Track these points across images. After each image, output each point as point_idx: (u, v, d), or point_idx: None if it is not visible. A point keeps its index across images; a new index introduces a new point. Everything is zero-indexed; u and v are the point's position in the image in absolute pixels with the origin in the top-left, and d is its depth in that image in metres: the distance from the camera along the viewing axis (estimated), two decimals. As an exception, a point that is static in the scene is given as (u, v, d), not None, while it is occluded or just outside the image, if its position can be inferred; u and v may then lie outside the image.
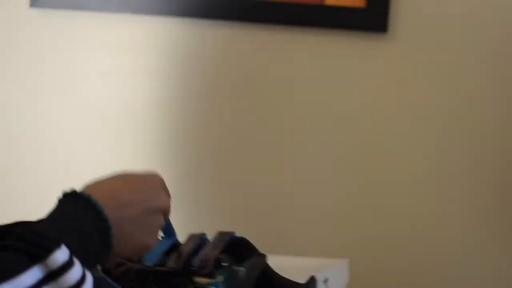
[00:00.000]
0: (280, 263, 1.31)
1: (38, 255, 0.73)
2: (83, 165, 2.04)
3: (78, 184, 2.00)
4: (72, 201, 0.81)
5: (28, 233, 0.75)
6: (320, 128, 1.94)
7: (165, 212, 0.88)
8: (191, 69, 1.99)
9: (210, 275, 0.91)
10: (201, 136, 2.01)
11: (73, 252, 0.76)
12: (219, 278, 0.91)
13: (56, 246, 0.74)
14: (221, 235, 0.97)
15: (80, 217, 0.79)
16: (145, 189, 0.86)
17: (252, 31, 1.95)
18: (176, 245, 0.96)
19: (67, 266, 0.74)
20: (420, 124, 1.89)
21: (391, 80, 1.90)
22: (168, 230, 0.93)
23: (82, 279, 0.75)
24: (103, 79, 2.01)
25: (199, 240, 0.96)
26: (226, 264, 0.92)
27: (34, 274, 0.72)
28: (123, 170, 0.88)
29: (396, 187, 1.90)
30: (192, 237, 0.96)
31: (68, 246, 0.75)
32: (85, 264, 0.77)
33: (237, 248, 0.96)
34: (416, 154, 1.90)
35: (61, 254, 0.74)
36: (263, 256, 0.97)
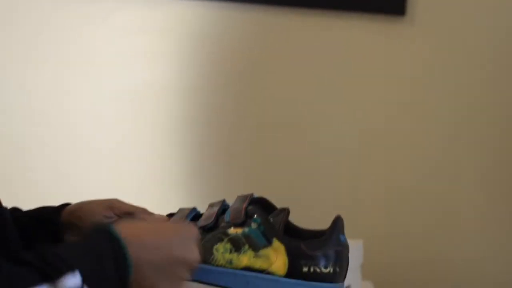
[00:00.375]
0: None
1: (50, 274, 0.73)
2: (103, 147, 2.06)
3: (96, 164, 2.02)
4: (99, 233, 0.80)
5: (46, 252, 0.75)
6: (336, 112, 1.94)
7: (192, 266, 0.86)
8: (209, 50, 2.00)
9: (243, 225, 0.94)
10: (220, 115, 2.02)
11: (86, 280, 0.75)
12: (253, 226, 0.93)
13: (69, 270, 0.74)
14: (242, 197, 0.99)
15: (101, 249, 0.78)
16: (174, 237, 0.85)
17: (269, 13, 1.95)
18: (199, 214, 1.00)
19: None
20: (437, 107, 1.89)
21: (408, 63, 1.91)
22: None
23: None
24: (122, 61, 2.03)
25: (221, 205, 0.99)
26: (256, 214, 0.94)
27: None
28: (160, 216, 0.90)
29: (413, 168, 1.91)
30: (213, 204, 0.99)
31: (82, 273, 0.75)
32: None
33: (258, 207, 0.98)
34: (431, 134, 1.90)
35: (72, 280, 0.74)
36: (285, 209, 0.99)
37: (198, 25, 2.00)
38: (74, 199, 1.11)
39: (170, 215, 1.02)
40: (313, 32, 1.94)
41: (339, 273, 0.93)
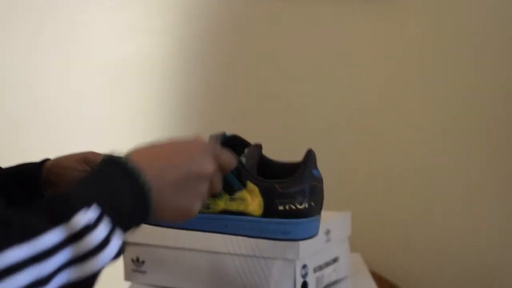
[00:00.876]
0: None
1: (61, 215, 0.72)
2: (100, 122, 2.06)
3: (88, 133, 2.03)
4: (111, 165, 0.79)
5: (55, 195, 0.74)
6: (328, 94, 1.95)
7: (209, 178, 0.86)
8: (197, 22, 2.00)
9: None
10: (209, 85, 2.02)
11: (104, 211, 0.74)
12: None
13: (81, 206, 0.73)
14: (214, 137, 0.99)
15: (116, 180, 0.77)
16: (187, 154, 0.85)
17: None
18: None
19: (90, 227, 0.73)
20: (432, 87, 1.90)
21: (400, 44, 1.91)
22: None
23: (105, 242, 0.74)
24: (117, 35, 2.03)
25: (221, 139, 0.98)
26: None
27: (55, 235, 0.71)
28: (167, 137, 0.87)
29: (403, 144, 1.92)
30: (213, 138, 0.98)
31: (100, 205, 0.74)
32: (120, 225, 0.76)
33: (231, 145, 0.98)
34: (425, 111, 1.91)
35: (86, 216, 0.73)
36: (258, 146, 0.99)
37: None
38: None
39: None
40: (305, 10, 1.94)
41: (315, 207, 0.95)
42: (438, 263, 1.91)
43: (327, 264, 1.29)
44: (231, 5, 1.98)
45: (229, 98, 2.00)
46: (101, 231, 0.74)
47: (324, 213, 1.36)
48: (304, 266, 1.23)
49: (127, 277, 1.33)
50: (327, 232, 1.28)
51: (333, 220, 1.31)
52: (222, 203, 0.94)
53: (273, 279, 1.21)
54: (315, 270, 1.26)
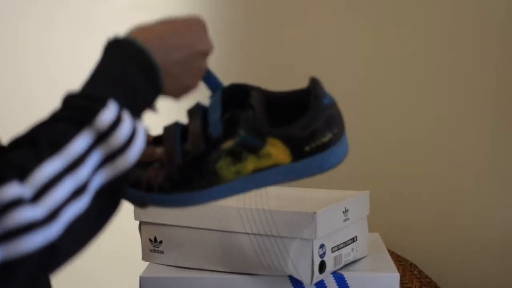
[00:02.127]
0: (301, 195, 1.34)
1: (85, 119, 0.73)
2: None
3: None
4: (118, 49, 0.80)
5: (72, 98, 0.74)
6: (345, 73, 1.94)
7: (208, 55, 0.89)
8: (215, 17, 1.99)
9: (231, 135, 0.92)
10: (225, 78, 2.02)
11: (122, 103, 0.76)
12: (242, 133, 0.92)
13: (102, 105, 0.74)
14: (214, 97, 0.96)
15: (126, 64, 0.78)
16: (190, 33, 0.86)
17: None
18: (186, 128, 0.97)
19: (115, 124, 0.74)
20: (457, 66, 1.88)
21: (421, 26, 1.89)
22: (208, 74, 0.94)
23: (132, 135, 0.75)
24: (135, 14, 2.02)
25: (201, 112, 0.96)
26: (239, 120, 0.93)
27: (83, 140, 0.72)
28: (166, 16, 0.88)
29: (419, 121, 1.91)
30: (191, 113, 0.96)
31: (116, 98, 0.75)
32: (137, 110, 0.78)
33: (233, 97, 0.97)
34: (448, 88, 1.89)
35: (108, 113, 0.74)
36: (258, 90, 0.97)
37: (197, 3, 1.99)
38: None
39: (158, 138, 0.99)
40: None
41: (338, 132, 0.95)
42: (457, 241, 1.90)
43: (345, 244, 1.29)
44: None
45: (246, 70, 1.99)
46: (126, 125, 0.75)
47: (342, 192, 1.36)
48: (322, 246, 1.22)
49: (145, 257, 1.33)
50: (345, 212, 1.28)
51: (351, 199, 1.30)
52: (251, 164, 0.93)
53: (290, 259, 1.20)
54: (333, 250, 1.25)
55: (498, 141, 1.86)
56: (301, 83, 1.94)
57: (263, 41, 1.97)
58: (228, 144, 0.92)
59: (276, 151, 0.92)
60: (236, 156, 0.92)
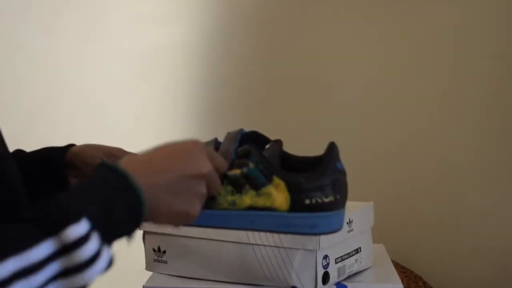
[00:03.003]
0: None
1: (52, 228, 0.69)
2: (125, 111, 2.06)
3: (111, 125, 2.02)
4: (103, 172, 0.77)
5: (47, 204, 0.72)
6: (350, 85, 1.93)
7: (207, 178, 0.84)
8: (220, 11, 2.00)
9: (240, 165, 0.92)
10: (232, 75, 2.02)
11: (96, 223, 0.72)
12: (250, 165, 0.92)
13: (73, 219, 0.71)
14: (232, 133, 0.97)
15: (108, 187, 0.75)
16: (180, 156, 0.82)
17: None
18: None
19: (81, 241, 0.70)
20: (457, 79, 1.88)
21: (430, 31, 1.89)
22: None
23: (96, 256, 0.72)
24: (142, 26, 2.03)
25: (214, 145, 0.97)
26: (252, 152, 0.93)
27: (45, 247, 0.69)
28: (162, 143, 0.85)
29: (424, 133, 1.90)
30: (207, 144, 0.97)
31: (90, 216, 0.72)
32: (112, 235, 0.74)
33: (251, 141, 0.97)
34: (452, 103, 1.89)
35: (77, 228, 0.70)
36: (278, 141, 0.98)
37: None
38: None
39: None
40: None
41: (340, 200, 0.94)
42: (462, 253, 1.90)
43: (349, 255, 1.28)
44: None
45: (253, 86, 2.00)
46: (92, 245, 0.71)
47: (346, 203, 1.35)
48: (326, 257, 1.22)
49: (148, 267, 1.33)
50: (349, 223, 1.27)
51: (355, 211, 1.30)
52: (248, 199, 0.93)
53: (294, 270, 1.20)
54: (336, 261, 1.25)
55: (507, 153, 1.86)
56: (312, 94, 1.94)
57: (274, 51, 1.98)
58: (234, 171, 0.93)
59: (277, 194, 0.92)
60: (237, 186, 0.92)
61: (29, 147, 1.15)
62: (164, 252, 1.30)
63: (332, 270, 1.23)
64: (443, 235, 1.90)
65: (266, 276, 1.22)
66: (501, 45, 1.84)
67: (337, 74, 1.94)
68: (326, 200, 0.93)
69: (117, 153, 1.09)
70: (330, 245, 1.22)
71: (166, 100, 2.05)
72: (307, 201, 0.92)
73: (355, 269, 1.30)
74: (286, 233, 0.94)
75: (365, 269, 1.34)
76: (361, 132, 1.92)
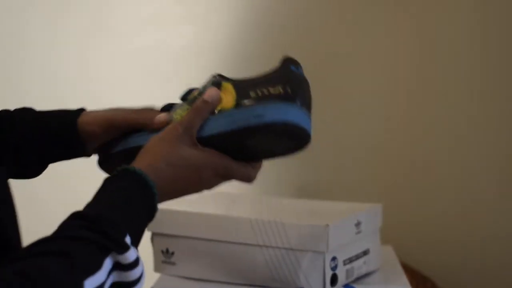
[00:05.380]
0: (313, 207, 1.34)
1: (110, 248, 0.77)
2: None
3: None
4: (135, 185, 0.85)
5: (97, 219, 0.78)
6: (363, 85, 1.93)
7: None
8: (234, 14, 2.00)
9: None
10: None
11: (134, 238, 0.81)
12: (207, 83, 0.94)
13: (125, 237, 0.78)
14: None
15: (140, 205, 0.85)
16: (196, 181, 0.92)
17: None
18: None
19: (134, 264, 0.79)
20: (470, 80, 1.88)
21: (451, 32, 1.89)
22: None
23: (140, 277, 0.80)
24: (157, 25, 2.03)
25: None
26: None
27: (107, 265, 0.76)
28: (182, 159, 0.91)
29: (434, 134, 1.90)
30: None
31: (131, 234, 0.80)
32: (137, 242, 0.83)
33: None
34: (464, 104, 1.89)
35: (133, 253, 0.79)
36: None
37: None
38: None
39: (168, 106, 1.01)
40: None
41: (293, 96, 0.88)
42: (471, 255, 1.89)
43: (357, 257, 1.28)
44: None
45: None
46: (140, 267, 0.80)
47: (354, 205, 1.35)
48: (334, 259, 1.22)
49: (157, 269, 1.33)
50: (358, 224, 1.27)
51: (363, 212, 1.30)
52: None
53: (302, 272, 1.20)
54: (345, 263, 1.25)
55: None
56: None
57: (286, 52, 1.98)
58: (194, 94, 0.95)
59: (224, 96, 0.91)
60: (191, 105, 0.94)
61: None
62: (173, 253, 1.30)
63: (341, 272, 1.23)
64: (452, 237, 1.90)
65: (274, 277, 1.22)
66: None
67: (344, 74, 1.94)
68: (273, 91, 0.88)
69: (119, 115, 1.07)
70: (339, 247, 1.22)
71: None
72: (252, 94, 0.89)
73: (363, 271, 1.30)
74: (234, 129, 0.89)
75: (374, 271, 1.34)
76: (369, 132, 1.92)
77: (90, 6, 2.06)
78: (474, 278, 1.89)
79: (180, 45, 2.02)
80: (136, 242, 0.82)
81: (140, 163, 0.88)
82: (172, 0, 2.02)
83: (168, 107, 1.01)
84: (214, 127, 0.90)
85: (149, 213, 0.85)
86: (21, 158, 1.02)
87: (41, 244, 0.73)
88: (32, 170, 1.04)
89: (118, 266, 0.77)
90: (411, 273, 1.82)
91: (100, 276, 0.74)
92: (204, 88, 0.94)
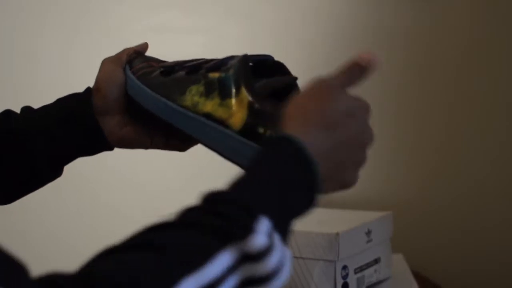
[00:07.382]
0: (324, 215, 1.34)
1: (234, 236, 0.60)
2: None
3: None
4: (284, 155, 0.68)
5: (222, 202, 0.62)
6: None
7: (369, 145, 0.80)
8: (246, 25, 2.00)
9: (225, 70, 0.88)
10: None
11: (276, 223, 0.63)
12: (230, 71, 0.87)
13: (257, 224, 0.61)
14: (247, 56, 0.91)
15: (290, 182, 0.67)
16: (356, 131, 0.78)
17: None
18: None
19: (266, 252, 0.61)
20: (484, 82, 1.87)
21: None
22: None
23: (280, 266, 0.62)
24: (162, 35, 2.03)
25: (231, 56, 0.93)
26: (238, 61, 0.88)
27: (225, 259, 0.59)
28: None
29: (444, 141, 1.90)
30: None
31: (272, 217, 0.62)
32: (286, 230, 0.66)
33: (270, 71, 0.91)
34: (481, 110, 1.88)
35: (261, 238, 0.60)
36: (294, 78, 0.91)
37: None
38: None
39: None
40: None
41: None
42: (483, 264, 1.88)
43: (368, 265, 1.28)
44: (269, 2, 1.97)
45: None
46: (276, 254, 0.61)
47: (365, 213, 1.35)
48: (345, 267, 1.21)
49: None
50: (368, 233, 1.27)
51: (374, 221, 1.30)
52: (210, 106, 0.87)
53: (313, 280, 1.20)
54: (356, 271, 1.24)
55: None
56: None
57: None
58: (214, 74, 0.89)
59: (237, 110, 0.85)
60: (209, 90, 0.88)
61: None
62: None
63: (351, 280, 1.23)
64: (464, 245, 1.89)
65: (284, 286, 1.21)
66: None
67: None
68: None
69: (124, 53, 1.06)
70: (349, 255, 1.22)
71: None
72: (261, 130, 0.83)
73: (374, 279, 1.30)
74: (230, 160, 0.85)
75: (385, 279, 1.34)
76: (380, 140, 1.92)
77: (100, 18, 2.07)
78: (487, 286, 1.88)
79: (188, 55, 2.02)
80: (283, 231, 0.64)
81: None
82: (181, 11, 2.02)
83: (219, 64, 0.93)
84: (216, 142, 0.87)
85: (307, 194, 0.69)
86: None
87: (142, 235, 0.60)
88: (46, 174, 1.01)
89: (247, 258, 0.60)
90: (422, 281, 1.81)
91: (210, 270, 0.58)
92: (224, 79, 0.88)
